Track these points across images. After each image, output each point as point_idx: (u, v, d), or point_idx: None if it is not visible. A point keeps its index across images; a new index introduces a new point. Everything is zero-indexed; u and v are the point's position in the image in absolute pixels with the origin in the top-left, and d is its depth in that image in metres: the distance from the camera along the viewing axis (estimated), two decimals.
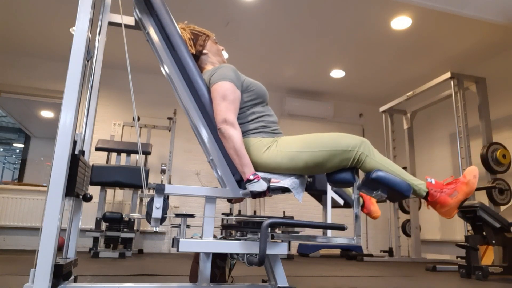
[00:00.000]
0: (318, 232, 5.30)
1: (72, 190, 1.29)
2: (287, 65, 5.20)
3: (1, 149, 9.69)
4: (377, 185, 1.46)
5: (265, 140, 1.54)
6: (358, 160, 1.50)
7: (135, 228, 4.50)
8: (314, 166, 1.50)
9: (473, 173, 1.53)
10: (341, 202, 2.56)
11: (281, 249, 1.42)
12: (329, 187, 2.46)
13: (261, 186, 1.40)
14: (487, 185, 3.74)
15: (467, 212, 2.96)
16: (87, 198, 1.55)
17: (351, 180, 1.51)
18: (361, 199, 2.50)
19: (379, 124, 6.08)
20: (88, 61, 1.49)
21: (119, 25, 1.78)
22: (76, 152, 1.34)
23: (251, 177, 1.41)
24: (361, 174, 1.47)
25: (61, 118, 1.28)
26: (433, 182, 1.55)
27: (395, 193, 1.46)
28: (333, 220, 5.65)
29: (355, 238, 1.48)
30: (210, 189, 1.49)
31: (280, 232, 1.67)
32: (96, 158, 4.89)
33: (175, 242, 1.38)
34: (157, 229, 4.91)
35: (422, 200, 1.54)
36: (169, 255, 4.41)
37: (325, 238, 1.56)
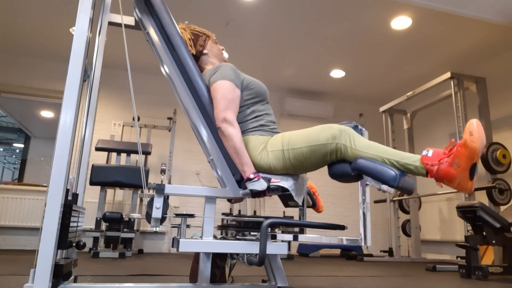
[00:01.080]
0: (316, 232, 5.30)
1: (65, 243, 1.25)
2: (287, 65, 5.20)
3: (1, 149, 9.69)
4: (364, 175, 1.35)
5: (262, 138, 1.54)
6: (340, 152, 1.41)
7: (135, 228, 4.50)
8: (299, 163, 1.47)
9: (469, 129, 1.21)
10: (310, 202, 2.53)
11: (281, 249, 1.42)
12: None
13: (261, 185, 1.40)
14: (487, 185, 3.73)
15: (467, 212, 2.96)
16: (80, 246, 1.49)
17: (349, 172, 1.43)
18: (313, 195, 2.43)
19: (379, 124, 6.08)
20: (85, 81, 1.47)
21: (119, 25, 1.78)
22: (70, 197, 1.31)
23: (252, 176, 1.41)
24: None
25: (61, 119, 1.28)
26: (430, 154, 1.27)
27: (382, 183, 1.30)
28: (332, 220, 5.65)
29: (360, 239, 1.48)
30: (210, 189, 1.49)
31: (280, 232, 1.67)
32: (96, 158, 4.89)
33: (175, 242, 1.38)
34: (157, 229, 4.91)
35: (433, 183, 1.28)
36: (169, 255, 4.41)
37: (335, 238, 1.54)
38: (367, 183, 1.46)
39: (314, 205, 2.29)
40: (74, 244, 1.46)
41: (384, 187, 1.34)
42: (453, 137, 5.09)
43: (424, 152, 1.28)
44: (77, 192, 1.61)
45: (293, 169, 1.49)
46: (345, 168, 1.43)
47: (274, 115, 1.70)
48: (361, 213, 1.51)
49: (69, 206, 1.27)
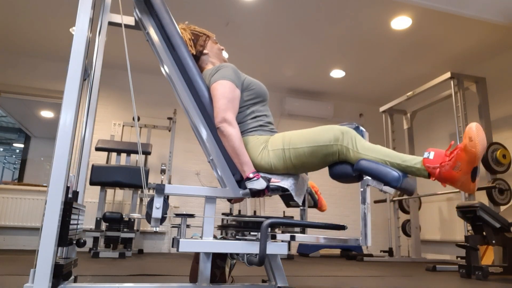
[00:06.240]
0: (318, 232, 5.30)
1: (65, 240, 1.24)
2: (287, 65, 5.20)
3: (1, 149, 9.69)
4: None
5: (262, 138, 1.54)
6: (342, 154, 1.41)
7: (135, 228, 4.50)
8: (300, 163, 1.46)
9: (469, 134, 1.23)
10: (312, 202, 2.51)
11: (281, 249, 1.42)
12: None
13: (260, 184, 1.40)
14: (487, 185, 3.73)
15: (467, 212, 2.96)
16: (80, 244, 1.48)
17: (350, 173, 1.41)
18: (315, 195, 2.41)
19: (379, 124, 6.08)
20: (85, 80, 1.46)
21: (119, 25, 1.78)
22: (70, 195, 1.31)
23: (251, 175, 1.41)
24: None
25: (61, 118, 1.28)
26: (431, 156, 1.28)
27: (385, 184, 1.30)
28: (332, 220, 5.65)
29: (360, 239, 1.48)
30: (210, 189, 1.49)
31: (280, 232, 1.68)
32: (96, 158, 4.88)
33: (175, 242, 1.38)
34: (157, 229, 4.91)
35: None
36: (169, 255, 4.41)
37: (338, 239, 1.54)
38: (369, 183, 1.45)
39: (316, 205, 2.26)
40: (74, 242, 1.45)
41: (386, 188, 1.32)
42: (453, 137, 5.10)
43: (425, 155, 1.28)
44: (77, 191, 1.61)
45: (294, 168, 1.49)
46: (346, 169, 1.42)
47: (272, 117, 1.70)
48: (362, 214, 1.51)
49: (70, 203, 1.27)
